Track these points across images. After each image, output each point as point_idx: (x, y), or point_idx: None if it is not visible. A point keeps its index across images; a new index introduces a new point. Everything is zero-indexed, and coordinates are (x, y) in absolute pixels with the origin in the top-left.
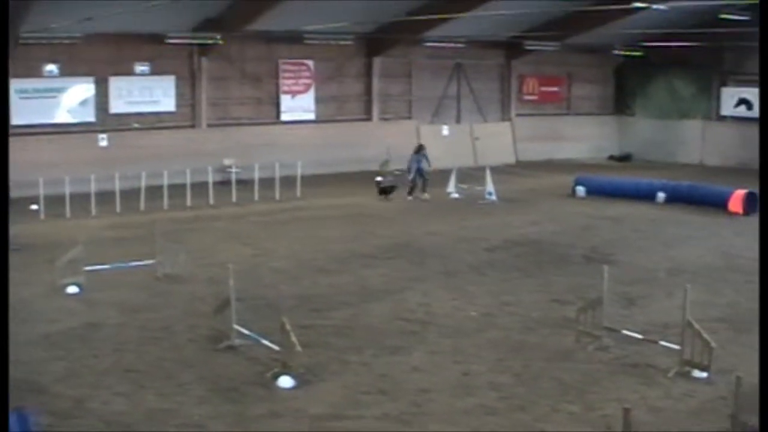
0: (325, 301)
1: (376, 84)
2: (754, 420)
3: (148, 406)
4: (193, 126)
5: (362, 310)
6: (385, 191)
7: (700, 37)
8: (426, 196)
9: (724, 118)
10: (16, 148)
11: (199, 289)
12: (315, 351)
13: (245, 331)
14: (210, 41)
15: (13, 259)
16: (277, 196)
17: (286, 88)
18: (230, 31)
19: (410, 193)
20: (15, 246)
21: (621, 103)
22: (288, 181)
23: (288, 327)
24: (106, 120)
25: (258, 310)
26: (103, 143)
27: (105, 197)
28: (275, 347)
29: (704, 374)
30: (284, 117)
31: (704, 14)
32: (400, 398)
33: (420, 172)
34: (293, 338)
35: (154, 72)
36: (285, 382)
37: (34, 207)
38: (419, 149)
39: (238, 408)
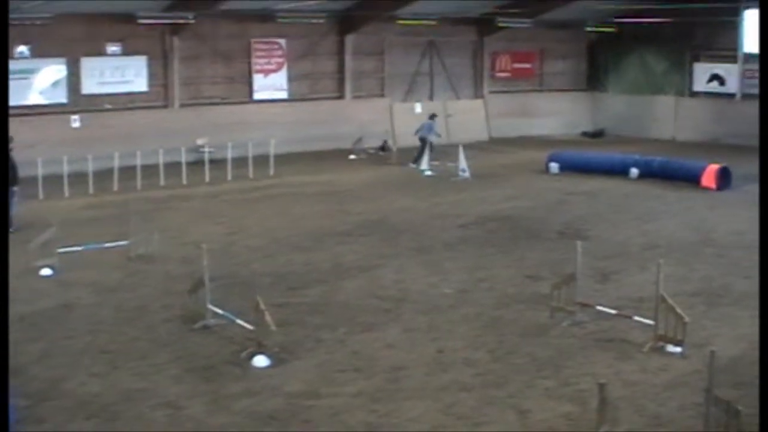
0: (299, 279)
1: (349, 62)
2: (726, 394)
3: (124, 386)
4: (165, 106)
5: (336, 288)
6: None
7: (673, 12)
8: (413, 165)
9: (696, 93)
10: None
11: (173, 269)
12: (289, 329)
13: (220, 311)
14: (182, 21)
15: None
16: (251, 174)
17: (258, 67)
18: (202, 10)
19: (415, 161)
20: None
21: (594, 79)
22: (261, 160)
23: (262, 306)
24: (78, 101)
25: (232, 289)
26: (76, 124)
27: (78, 178)
28: (250, 326)
29: (678, 349)
30: (257, 96)
31: None
32: (375, 375)
33: (422, 140)
34: (267, 317)
35: (126, 52)
36: (260, 360)
37: None
38: (431, 117)
39: (213, 387)
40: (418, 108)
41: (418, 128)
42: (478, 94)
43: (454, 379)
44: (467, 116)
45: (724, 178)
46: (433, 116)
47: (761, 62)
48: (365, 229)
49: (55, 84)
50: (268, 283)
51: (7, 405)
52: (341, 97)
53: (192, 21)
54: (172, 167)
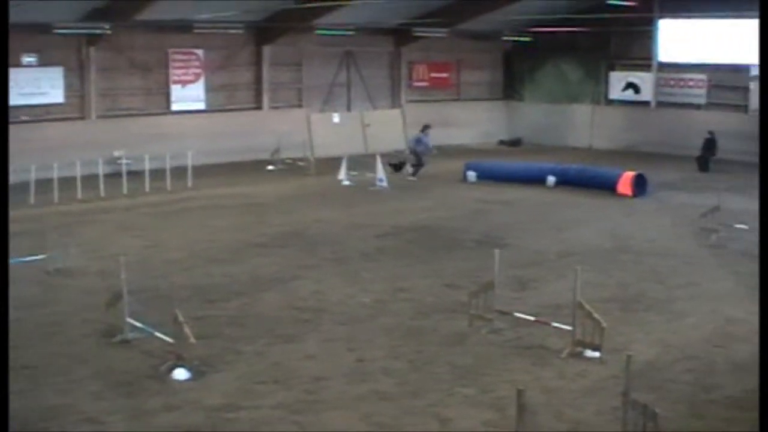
0: (217, 292)
1: (267, 73)
2: (643, 397)
3: (45, 402)
4: (82, 117)
5: (255, 300)
6: (395, 167)
7: (588, 22)
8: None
9: (612, 101)
10: None
11: (91, 283)
12: (209, 342)
13: (139, 324)
14: (98, 31)
15: None
16: (169, 186)
17: (176, 78)
18: (119, 20)
19: (414, 173)
20: None
21: (510, 89)
22: (179, 172)
23: (181, 318)
24: None
25: (151, 302)
26: None
27: None
28: (169, 339)
29: (596, 354)
30: (174, 107)
31: (592, 0)
32: (294, 387)
33: (413, 152)
34: (186, 330)
35: (42, 63)
36: (180, 374)
37: None
38: (423, 129)
39: (133, 402)
40: (335, 118)
41: (409, 140)
42: (395, 104)
43: (373, 388)
44: (385, 126)
45: (640, 185)
46: (425, 128)
47: (761, 65)
48: (283, 241)
49: None
50: (186, 295)
51: (7, 405)
52: (259, 107)
53: (109, 31)
54: (90, 180)
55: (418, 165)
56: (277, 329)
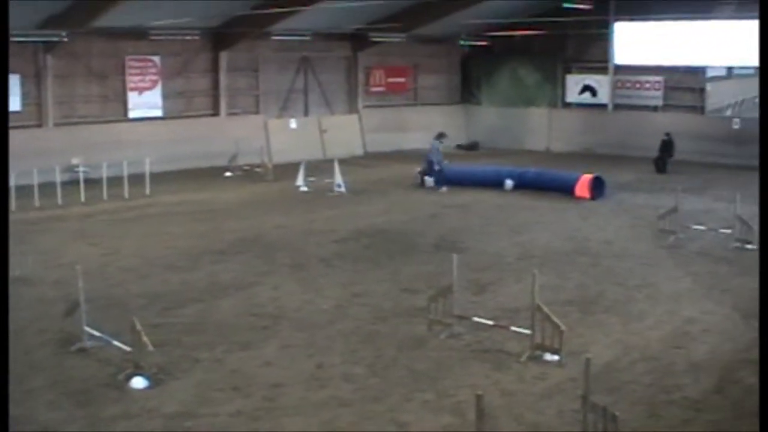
0: (175, 299)
1: (223, 79)
2: (602, 399)
3: None
4: (39, 125)
5: (213, 307)
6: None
7: (544, 25)
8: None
9: (569, 104)
10: None
11: (47, 292)
12: (166, 349)
13: (96, 333)
14: (55, 38)
15: None
16: (126, 194)
17: (132, 85)
18: (75, 27)
19: (437, 183)
20: None
21: (467, 92)
22: (137, 179)
23: (138, 326)
24: None
25: (108, 310)
26: None
27: None
28: (127, 348)
29: (555, 357)
30: (132, 114)
31: (548, 3)
32: (253, 394)
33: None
34: (144, 338)
35: None
36: (138, 382)
37: None
38: (438, 137)
39: (90, 411)
40: (293, 124)
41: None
42: (352, 109)
43: (332, 394)
44: (342, 131)
45: (598, 187)
46: (439, 136)
47: (761, 65)
48: (241, 247)
49: None
50: (144, 303)
51: (7, 405)
52: (216, 114)
53: (65, 39)
54: (47, 187)
55: (431, 173)
56: (235, 336)
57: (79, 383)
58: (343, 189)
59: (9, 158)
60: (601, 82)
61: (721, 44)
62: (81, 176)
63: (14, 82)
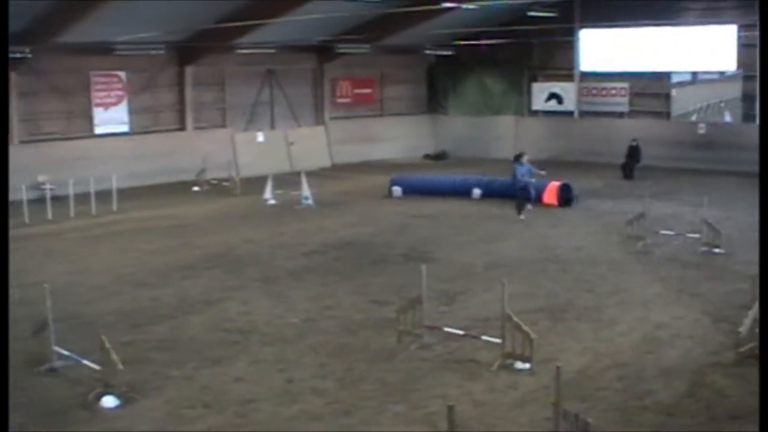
0: (144, 316)
1: (190, 93)
2: (574, 407)
3: None
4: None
5: (183, 323)
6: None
7: (510, 34)
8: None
9: (535, 112)
10: None
11: (15, 311)
12: (137, 367)
13: (65, 352)
14: (18, 55)
15: None
16: (94, 211)
17: (98, 101)
18: (39, 44)
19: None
20: None
21: (434, 102)
22: (104, 195)
23: (108, 345)
24: None
25: (78, 329)
26: None
27: None
28: (96, 366)
29: (526, 365)
30: (98, 130)
31: (513, 12)
32: (224, 410)
33: (524, 188)
34: (114, 356)
35: None
36: (108, 401)
37: None
38: (516, 158)
39: None
40: (260, 137)
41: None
42: (319, 121)
43: (303, 409)
44: (309, 143)
45: (565, 194)
46: (518, 157)
47: (761, 65)
48: (210, 262)
49: None
50: (113, 321)
51: (7, 405)
52: (183, 128)
53: (29, 55)
54: (13, 206)
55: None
56: (205, 352)
57: (49, 404)
58: (310, 202)
59: (8, 165)
60: (567, 90)
61: (686, 50)
62: (48, 194)
63: None
